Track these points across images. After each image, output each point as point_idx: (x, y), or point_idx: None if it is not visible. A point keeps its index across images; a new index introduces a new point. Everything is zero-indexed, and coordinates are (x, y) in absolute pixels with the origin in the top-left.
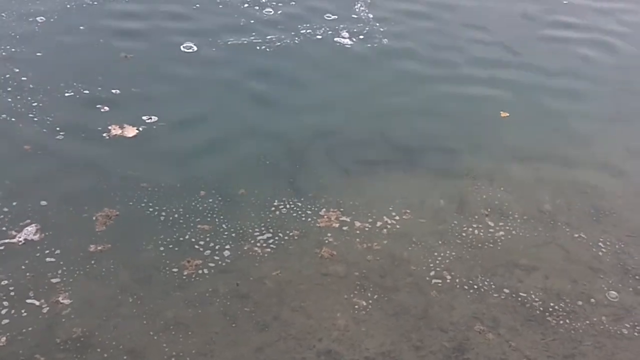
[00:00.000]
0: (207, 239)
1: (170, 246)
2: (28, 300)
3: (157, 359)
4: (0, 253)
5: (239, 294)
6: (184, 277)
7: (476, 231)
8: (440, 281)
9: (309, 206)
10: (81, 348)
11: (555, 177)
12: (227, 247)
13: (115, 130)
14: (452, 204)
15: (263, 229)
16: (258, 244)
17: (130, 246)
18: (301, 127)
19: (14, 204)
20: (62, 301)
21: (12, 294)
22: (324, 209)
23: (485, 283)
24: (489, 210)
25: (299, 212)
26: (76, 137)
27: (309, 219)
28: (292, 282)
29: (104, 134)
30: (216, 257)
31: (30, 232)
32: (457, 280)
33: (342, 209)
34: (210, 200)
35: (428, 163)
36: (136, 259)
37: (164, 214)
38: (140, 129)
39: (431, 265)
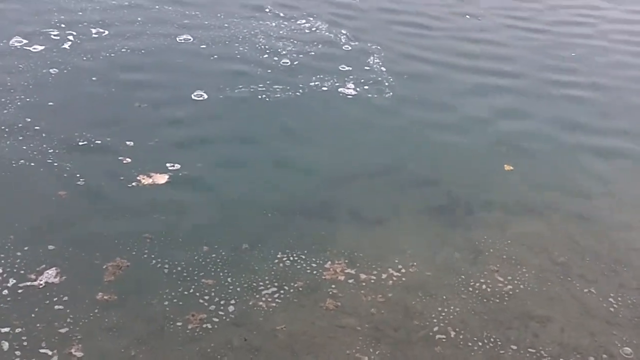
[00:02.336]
0: (212, 294)
1: (175, 300)
2: (41, 350)
3: None
4: (16, 297)
5: (251, 346)
6: (188, 332)
7: (484, 285)
8: (453, 335)
9: (314, 258)
10: None
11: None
12: (232, 301)
13: (146, 180)
14: (463, 256)
15: (268, 282)
16: (263, 298)
17: (137, 298)
18: (301, 177)
19: (26, 248)
20: (74, 353)
21: (25, 343)
22: (329, 262)
23: (500, 337)
24: (498, 266)
25: (304, 265)
26: (97, 185)
27: (314, 272)
28: (305, 334)
29: (133, 183)
30: (221, 312)
31: (50, 275)
32: (470, 335)
33: (347, 261)
34: (214, 255)
35: (436, 214)
36: (144, 312)
37: (167, 267)
38: (168, 176)
39: (443, 318)
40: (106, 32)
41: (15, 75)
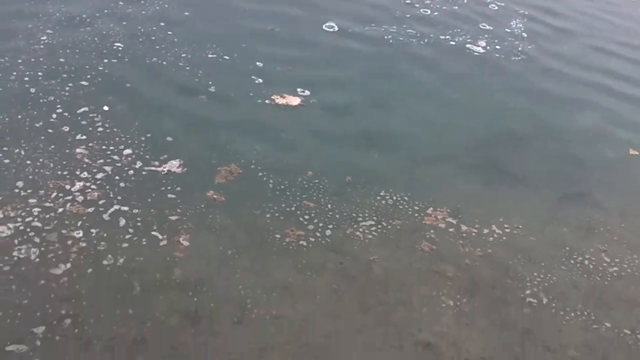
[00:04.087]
0: (312, 215)
1: (277, 214)
2: (152, 233)
3: (261, 316)
4: (138, 179)
5: (346, 273)
6: (284, 244)
7: (587, 261)
8: (545, 301)
9: (417, 202)
10: (194, 290)
11: None
12: (330, 226)
13: (280, 100)
14: (572, 230)
15: (367, 215)
16: (361, 229)
17: (242, 204)
18: (416, 125)
19: (149, 135)
20: (182, 242)
21: (139, 224)
22: (432, 208)
23: (596, 313)
24: (606, 246)
25: (405, 206)
26: (227, 94)
27: (415, 214)
28: (400, 272)
29: (266, 101)
30: (318, 234)
31: (174, 165)
32: (564, 305)
33: (449, 210)
34: (317, 181)
35: (554, 186)
36: (246, 218)
37: (271, 182)
38: (301, 99)
39: (542, 284)
40: None
41: None
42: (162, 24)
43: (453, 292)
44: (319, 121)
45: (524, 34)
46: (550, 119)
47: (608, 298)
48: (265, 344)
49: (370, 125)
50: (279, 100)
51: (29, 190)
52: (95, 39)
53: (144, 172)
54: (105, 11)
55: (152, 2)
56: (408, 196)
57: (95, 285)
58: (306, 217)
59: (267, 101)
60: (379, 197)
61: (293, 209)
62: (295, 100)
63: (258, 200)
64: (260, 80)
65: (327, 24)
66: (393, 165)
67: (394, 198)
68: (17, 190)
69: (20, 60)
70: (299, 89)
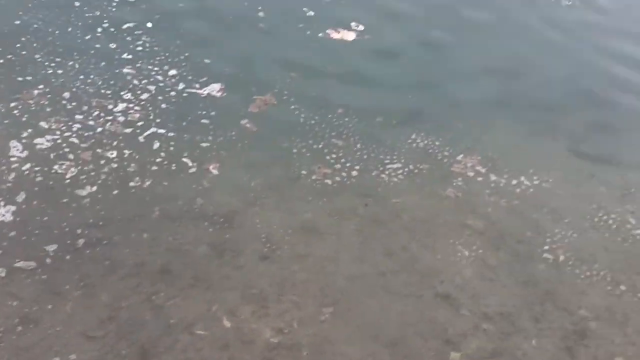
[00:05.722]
0: (340, 154)
1: (304, 150)
2: (183, 159)
3: (288, 253)
4: (178, 100)
5: (374, 217)
6: (309, 181)
7: (611, 221)
8: (578, 263)
9: (447, 148)
10: (221, 222)
11: None
12: (357, 167)
13: (335, 35)
14: (608, 190)
15: (395, 158)
16: (387, 172)
17: (271, 136)
18: (462, 71)
19: (187, 54)
20: (212, 170)
21: (172, 148)
22: (462, 155)
23: (618, 277)
24: (635, 207)
25: (435, 151)
26: (276, 24)
27: (445, 160)
28: (428, 222)
29: (319, 34)
30: (344, 174)
31: (214, 89)
32: (597, 270)
33: (479, 157)
34: (347, 119)
35: (596, 147)
36: (274, 151)
37: (303, 116)
38: (355, 34)
39: (569, 243)
40: None
41: None
42: None
43: (485, 249)
44: (361, 58)
45: None
46: None
47: (629, 258)
48: (286, 281)
49: (409, 67)
50: (335, 35)
51: (73, 104)
52: None
53: (184, 95)
54: None
55: None
56: (439, 141)
57: (118, 207)
58: (333, 155)
59: (320, 34)
60: (409, 140)
61: (321, 146)
62: (350, 36)
63: (287, 133)
64: (312, 13)
65: None
66: (427, 108)
67: (425, 142)
68: (64, 102)
69: None
70: (352, 23)
